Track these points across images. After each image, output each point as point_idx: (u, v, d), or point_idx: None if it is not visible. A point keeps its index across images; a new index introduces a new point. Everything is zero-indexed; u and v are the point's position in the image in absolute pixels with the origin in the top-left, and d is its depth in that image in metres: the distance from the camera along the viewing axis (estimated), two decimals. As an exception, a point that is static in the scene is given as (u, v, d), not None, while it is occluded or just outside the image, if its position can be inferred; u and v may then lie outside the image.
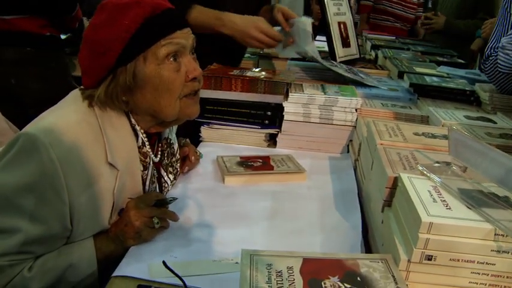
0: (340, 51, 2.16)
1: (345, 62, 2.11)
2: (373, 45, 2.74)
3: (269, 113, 1.52)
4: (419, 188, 0.74)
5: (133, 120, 0.99)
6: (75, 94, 0.98)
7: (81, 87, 0.98)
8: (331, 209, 1.12)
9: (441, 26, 3.18)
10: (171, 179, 1.17)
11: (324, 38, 2.13)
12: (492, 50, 1.53)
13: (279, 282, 0.62)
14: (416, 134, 1.06)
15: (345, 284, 0.62)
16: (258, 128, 1.53)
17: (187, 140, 1.34)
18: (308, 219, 1.08)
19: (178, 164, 1.22)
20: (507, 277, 0.67)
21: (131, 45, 0.89)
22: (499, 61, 1.46)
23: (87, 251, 0.91)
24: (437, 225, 0.65)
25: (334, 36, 2.13)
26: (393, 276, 0.65)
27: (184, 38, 0.96)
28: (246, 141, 1.54)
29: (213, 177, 1.28)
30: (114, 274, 0.83)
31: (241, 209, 1.11)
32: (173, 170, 1.18)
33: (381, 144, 0.97)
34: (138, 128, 1.00)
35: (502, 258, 0.66)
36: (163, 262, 0.81)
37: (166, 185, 1.15)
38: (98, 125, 0.92)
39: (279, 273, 0.63)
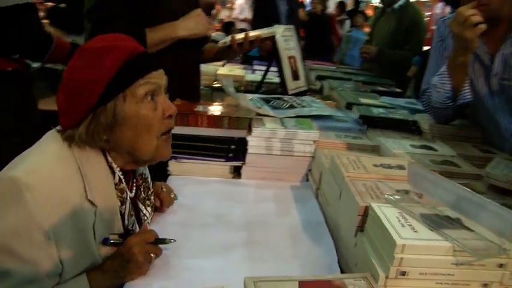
0: (290, 83, 2.33)
1: (296, 94, 2.28)
2: (318, 75, 2.94)
3: (233, 146, 1.63)
4: (388, 215, 0.88)
5: (109, 158, 1.04)
6: (52, 135, 1.02)
7: (58, 128, 1.03)
8: (301, 236, 1.23)
9: (374, 55, 3.46)
10: (149, 211, 1.23)
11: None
12: (427, 85, 1.74)
13: (284, 303, 0.72)
14: (375, 165, 1.20)
15: (338, 301, 0.74)
16: (223, 161, 1.63)
17: (163, 188, 1.38)
18: (282, 245, 1.18)
19: (152, 197, 1.28)
20: (463, 284, 0.82)
21: (112, 85, 0.96)
22: (432, 97, 1.67)
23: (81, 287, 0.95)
24: (409, 246, 0.78)
25: (285, 70, 2.30)
26: (376, 292, 0.77)
27: (159, 77, 1.04)
28: (212, 173, 1.63)
29: (187, 210, 1.35)
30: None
31: (217, 239, 1.19)
32: (150, 203, 1.24)
33: (348, 176, 1.11)
34: (114, 165, 1.05)
35: (459, 269, 0.81)
36: None
37: (145, 218, 1.21)
38: (77, 164, 0.97)
39: (282, 296, 0.74)
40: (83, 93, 0.96)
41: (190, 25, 1.76)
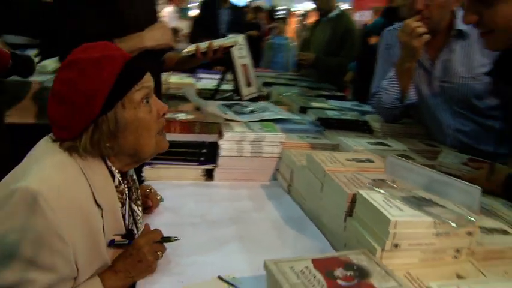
0: (244, 90, 2.46)
1: (249, 100, 2.41)
2: (265, 82, 3.09)
3: (204, 150, 1.72)
4: (375, 199, 1.02)
5: (109, 162, 1.08)
6: (49, 146, 1.03)
7: (51, 138, 1.04)
8: (285, 228, 1.35)
9: (311, 61, 3.68)
10: (141, 210, 1.29)
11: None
12: (376, 89, 1.94)
13: (306, 277, 0.83)
14: (348, 160, 1.35)
15: (349, 272, 0.86)
16: (196, 165, 1.71)
17: (151, 189, 1.45)
18: (269, 238, 1.29)
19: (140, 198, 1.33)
20: (442, 251, 0.98)
21: (112, 94, 0.99)
22: (382, 99, 1.87)
23: None
24: (400, 222, 0.93)
25: (239, 77, 2.42)
26: (376, 263, 0.90)
27: (150, 80, 1.09)
28: (186, 177, 1.70)
29: (172, 212, 1.42)
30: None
31: (208, 236, 1.27)
32: (140, 204, 1.30)
33: (329, 170, 1.24)
34: (113, 169, 1.09)
35: (439, 239, 0.97)
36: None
37: (138, 218, 1.26)
38: (81, 170, 1.00)
39: (302, 271, 0.84)
40: (84, 105, 0.98)
41: (156, 36, 1.82)
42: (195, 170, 1.71)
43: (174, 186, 1.63)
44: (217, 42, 1.94)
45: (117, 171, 1.11)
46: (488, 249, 1.03)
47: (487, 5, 1.07)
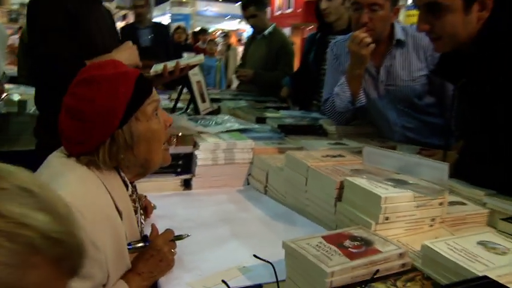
0: (201, 105, 2.58)
1: (206, 114, 2.53)
2: (212, 98, 3.21)
3: (181, 162, 1.82)
4: (362, 183, 1.20)
5: (122, 173, 1.16)
6: (65, 162, 1.07)
7: (63, 153, 1.10)
8: (274, 223, 1.47)
9: (251, 77, 3.87)
10: (144, 218, 1.37)
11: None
12: (329, 95, 2.15)
13: (323, 249, 0.97)
14: (323, 156, 1.53)
15: (356, 242, 1.02)
16: (174, 176, 1.81)
17: (146, 196, 1.52)
18: (262, 233, 1.41)
19: None
20: (421, 221, 1.18)
21: (128, 109, 1.07)
22: (335, 103, 2.08)
23: None
24: (389, 197, 1.11)
25: (196, 94, 2.54)
26: (374, 234, 1.07)
27: (156, 94, 1.17)
28: (165, 188, 1.79)
29: (165, 218, 1.51)
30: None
31: (207, 236, 1.37)
32: (143, 212, 1.38)
33: (312, 165, 1.41)
34: (126, 179, 1.18)
35: (418, 210, 1.16)
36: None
37: (143, 225, 1.34)
38: (101, 182, 1.07)
39: (318, 246, 0.99)
40: (104, 121, 1.04)
41: (124, 56, 1.90)
42: (174, 181, 1.81)
43: (158, 197, 1.70)
44: (184, 62, 2.05)
45: (128, 181, 1.20)
46: (454, 217, 1.24)
47: (436, 15, 1.30)
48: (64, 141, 1.11)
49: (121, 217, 1.09)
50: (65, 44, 1.74)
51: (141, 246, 1.16)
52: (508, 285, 0.80)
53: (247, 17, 3.93)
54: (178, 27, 7.85)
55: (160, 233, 1.22)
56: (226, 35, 10.78)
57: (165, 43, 4.58)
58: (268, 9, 6.78)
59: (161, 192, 1.76)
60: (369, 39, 1.85)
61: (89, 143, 1.06)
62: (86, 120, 1.04)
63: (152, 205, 1.51)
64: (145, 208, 1.46)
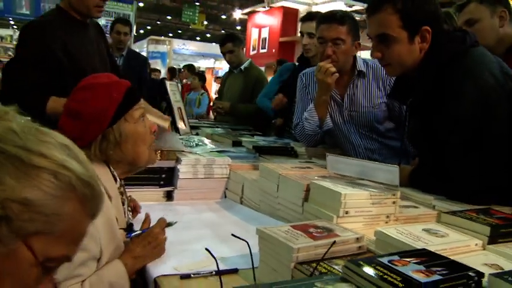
0: (182, 130, 2.76)
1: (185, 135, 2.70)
2: (191, 125, 3.40)
3: (164, 175, 1.98)
4: (325, 184, 1.39)
5: (111, 168, 1.34)
6: None
7: None
8: (251, 223, 1.62)
9: (227, 109, 4.08)
10: (131, 215, 1.51)
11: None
12: (298, 120, 2.37)
13: (291, 233, 1.14)
14: (293, 167, 1.72)
15: (319, 229, 1.19)
16: (157, 187, 1.96)
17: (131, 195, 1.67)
18: (240, 232, 1.56)
19: None
20: (378, 217, 1.36)
21: (119, 111, 1.28)
22: (305, 128, 2.30)
23: (119, 270, 1.19)
24: (348, 194, 1.30)
25: (177, 118, 2.72)
26: (335, 224, 1.25)
27: (144, 103, 1.40)
28: (148, 199, 1.93)
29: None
30: (156, 275, 1.19)
31: (192, 234, 1.52)
32: (130, 209, 1.53)
33: (282, 173, 1.59)
34: (115, 173, 1.35)
35: (375, 207, 1.35)
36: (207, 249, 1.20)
37: (129, 217, 1.47)
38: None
39: (286, 231, 1.16)
40: (97, 119, 1.25)
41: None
42: (157, 192, 1.96)
43: (142, 206, 1.85)
44: (152, 118, 2.15)
45: (117, 175, 1.36)
46: (407, 215, 1.43)
47: (386, 45, 1.55)
48: None
49: (111, 201, 1.24)
50: (57, 75, 1.93)
51: (139, 234, 1.30)
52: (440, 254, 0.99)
53: (224, 52, 4.18)
54: (155, 69, 8.09)
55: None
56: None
57: (139, 74, 4.69)
58: (244, 49, 7.11)
59: (144, 202, 1.91)
60: (333, 69, 2.10)
61: (83, 138, 1.24)
62: (82, 119, 1.24)
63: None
64: (134, 207, 1.61)
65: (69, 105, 1.29)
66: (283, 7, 9.39)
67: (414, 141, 1.76)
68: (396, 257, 0.91)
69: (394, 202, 1.39)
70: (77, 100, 1.28)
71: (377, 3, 1.54)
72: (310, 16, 3.00)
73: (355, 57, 2.25)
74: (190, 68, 9.81)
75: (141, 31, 25.54)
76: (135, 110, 1.34)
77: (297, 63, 3.44)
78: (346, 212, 1.31)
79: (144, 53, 16.36)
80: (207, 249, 1.17)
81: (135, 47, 17.28)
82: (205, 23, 19.81)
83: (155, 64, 14.14)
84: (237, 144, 2.63)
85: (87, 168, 0.70)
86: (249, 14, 10.62)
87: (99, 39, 2.34)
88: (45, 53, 2.03)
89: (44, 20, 2.20)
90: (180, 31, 25.88)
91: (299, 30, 3.27)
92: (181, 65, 12.87)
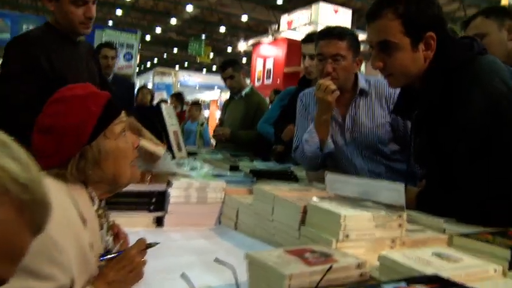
0: (177, 154, 2.64)
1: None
2: (189, 152, 3.29)
3: (154, 199, 1.86)
4: (323, 205, 1.26)
5: (89, 188, 1.21)
6: None
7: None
8: (242, 250, 1.48)
9: (228, 136, 3.98)
10: (112, 240, 1.38)
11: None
12: (298, 142, 2.25)
13: (283, 259, 1.01)
14: (290, 189, 1.59)
15: (316, 254, 1.06)
16: (147, 213, 1.84)
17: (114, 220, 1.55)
18: (232, 259, 1.43)
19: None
20: (382, 242, 1.23)
21: (97, 126, 1.15)
22: (305, 150, 2.18)
23: None
24: (348, 216, 1.17)
25: (172, 143, 2.62)
26: (334, 249, 1.12)
27: (125, 116, 1.27)
28: (137, 224, 1.81)
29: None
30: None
31: (175, 262, 1.40)
32: (111, 234, 1.39)
33: (278, 195, 1.47)
34: (93, 194, 1.21)
35: (378, 230, 1.21)
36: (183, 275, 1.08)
37: (107, 243, 1.33)
38: (67, 193, 1.11)
39: (278, 256, 1.03)
40: (73, 135, 1.12)
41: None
42: (146, 217, 1.83)
43: (129, 233, 1.71)
44: (144, 142, 2.04)
45: (96, 197, 1.24)
46: (414, 239, 1.29)
47: (387, 53, 1.45)
48: (35, 158, 1.16)
49: (86, 226, 1.12)
50: (22, 85, 1.84)
51: (113, 257, 1.17)
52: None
53: (225, 78, 4.12)
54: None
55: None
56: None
57: (128, 101, 4.59)
58: (248, 80, 7.05)
59: (132, 227, 1.78)
60: (333, 86, 1.99)
61: (57, 156, 1.12)
62: (55, 134, 1.12)
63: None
64: (116, 234, 1.48)
65: (40, 120, 1.17)
66: (287, 38, 9.44)
67: (421, 160, 1.63)
68: (403, 284, 0.79)
69: (400, 225, 1.25)
70: (48, 114, 1.16)
71: (377, 9, 1.45)
72: (311, 37, 2.92)
73: (356, 75, 2.15)
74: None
75: (148, 64, 25.90)
76: (116, 124, 1.21)
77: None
78: (347, 236, 1.17)
79: (149, 85, 16.54)
80: (183, 274, 1.05)
81: (141, 79, 17.49)
82: (212, 55, 20.04)
83: (161, 95, 14.23)
84: (234, 168, 2.52)
85: (28, 170, 0.59)
86: (254, 45, 10.70)
87: (89, 58, 2.27)
88: (34, 66, 1.95)
89: (30, 34, 2.16)
90: (186, 63, 26.21)
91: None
92: (187, 97, 12.88)
